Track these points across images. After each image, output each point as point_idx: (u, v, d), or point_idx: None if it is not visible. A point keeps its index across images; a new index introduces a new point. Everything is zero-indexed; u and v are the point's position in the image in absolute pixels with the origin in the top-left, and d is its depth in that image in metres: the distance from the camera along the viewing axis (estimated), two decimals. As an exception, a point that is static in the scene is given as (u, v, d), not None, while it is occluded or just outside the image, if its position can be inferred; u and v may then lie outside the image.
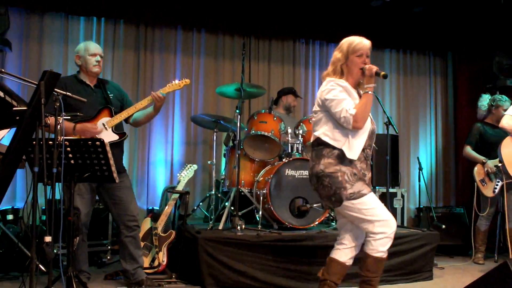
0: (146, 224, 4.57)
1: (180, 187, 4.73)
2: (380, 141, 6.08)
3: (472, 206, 5.63)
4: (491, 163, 5.31)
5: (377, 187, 6.13)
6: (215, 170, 5.56)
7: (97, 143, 3.19)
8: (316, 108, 3.35)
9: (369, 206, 3.16)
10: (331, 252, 3.41)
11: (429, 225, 5.89)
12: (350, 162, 3.18)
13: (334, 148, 3.19)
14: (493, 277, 2.62)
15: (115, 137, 3.88)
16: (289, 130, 4.96)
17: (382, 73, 3.17)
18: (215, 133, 5.50)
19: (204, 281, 4.04)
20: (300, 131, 4.98)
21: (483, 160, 5.42)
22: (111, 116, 3.90)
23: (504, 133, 4.71)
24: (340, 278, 3.37)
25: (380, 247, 3.18)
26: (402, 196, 6.26)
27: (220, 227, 4.46)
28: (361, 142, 3.20)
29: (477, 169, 5.49)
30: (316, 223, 4.70)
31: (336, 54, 3.30)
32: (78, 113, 3.51)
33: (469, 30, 7.15)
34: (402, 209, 6.26)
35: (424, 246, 4.63)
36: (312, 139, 3.37)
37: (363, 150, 3.23)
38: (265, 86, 6.42)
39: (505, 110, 5.43)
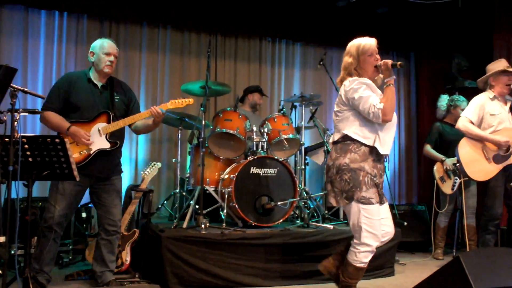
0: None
1: (144, 185, 4.69)
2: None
3: (432, 203, 5.76)
4: (450, 161, 5.44)
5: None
6: (180, 168, 5.52)
7: (57, 140, 3.12)
8: (340, 107, 3.44)
9: (369, 215, 3.29)
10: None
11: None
12: (373, 161, 3.31)
13: (361, 144, 3.31)
14: (446, 272, 2.69)
15: (106, 145, 3.78)
16: (254, 128, 4.97)
17: (399, 63, 3.29)
18: (180, 131, 5.47)
19: (168, 280, 4.01)
20: (265, 129, 5.00)
21: (442, 159, 5.55)
22: (109, 121, 3.80)
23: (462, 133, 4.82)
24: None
25: (363, 259, 3.38)
26: (366, 194, 6.32)
27: (184, 225, 4.42)
28: (391, 136, 3.37)
29: (436, 167, 5.61)
30: (281, 221, 4.71)
31: (347, 60, 3.43)
32: (36, 110, 3.41)
33: (431, 32, 7.32)
34: (366, 206, 6.33)
35: (386, 243, 4.68)
36: (337, 136, 3.44)
37: None
38: (231, 84, 6.41)
39: (462, 110, 5.58)
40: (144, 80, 6.29)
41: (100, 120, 3.79)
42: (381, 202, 3.37)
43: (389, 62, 3.31)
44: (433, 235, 5.85)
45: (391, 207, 6.27)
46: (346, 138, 3.36)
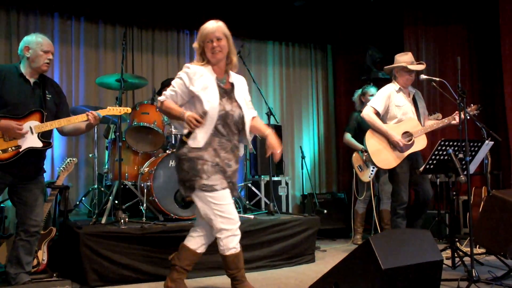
0: (24, 222, 4.32)
1: (59, 182, 4.54)
2: (262, 131, 6.24)
3: (351, 191, 5.96)
4: (368, 151, 5.64)
5: (262, 176, 6.29)
6: (98, 163, 5.40)
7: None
8: None
9: (217, 201, 3.24)
10: (185, 239, 3.50)
11: (312, 210, 6.15)
12: (215, 150, 3.27)
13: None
14: (358, 254, 2.81)
15: (38, 144, 3.60)
16: (173, 121, 4.93)
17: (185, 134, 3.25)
18: (96, 125, 5.32)
19: (87, 277, 3.93)
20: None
21: (362, 149, 5.73)
22: (42, 121, 3.62)
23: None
24: (191, 265, 3.49)
25: (229, 244, 3.30)
26: (287, 183, 6.48)
27: (103, 221, 4.35)
28: (206, 130, 3.24)
29: (355, 156, 5.81)
30: (202, 212, 4.72)
31: (195, 44, 3.38)
32: None
33: (346, 24, 7.56)
34: (287, 196, 6.49)
35: (305, 231, 4.81)
36: None
37: (230, 140, 3.33)
38: (149, 77, 6.34)
39: (370, 95, 5.84)
40: (57, 75, 6.08)
41: (33, 118, 3.61)
42: (232, 193, 3.37)
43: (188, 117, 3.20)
44: (353, 222, 6.06)
45: (311, 196, 6.47)
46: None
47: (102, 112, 3.82)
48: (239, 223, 3.34)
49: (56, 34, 6.09)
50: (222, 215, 3.25)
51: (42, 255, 4.26)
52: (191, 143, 3.23)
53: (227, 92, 3.36)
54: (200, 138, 3.22)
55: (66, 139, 6.08)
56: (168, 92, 3.32)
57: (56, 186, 4.52)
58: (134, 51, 6.54)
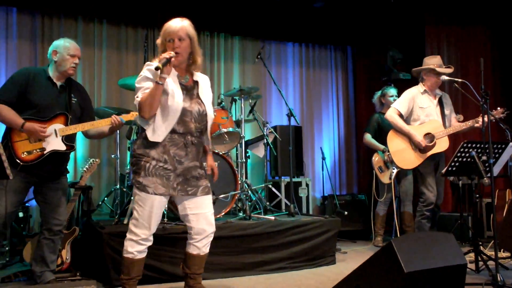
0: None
1: (82, 182, 4.60)
2: (283, 132, 6.26)
3: (372, 192, 5.94)
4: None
5: (282, 177, 6.29)
6: (120, 164, 5.45)
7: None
8: None
9: (141, 203, 3.10)
10: (186, 246, 3.42)
11: (333, 212, 6.14)
12: (163, 147, 3.11)
13: (143, 130, 3.15)
14: (380, 257, 2.79)
15: (62, 147, 3.67)
16: (194, 122, 4.95)
17: (156, 65, 2.98)
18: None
19: (110, 277, 3.96)
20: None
21: (384, 149, 5.69)
22: (66, 124, 3.69)
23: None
24: (201, 268, 3.42)
25: (128, 247, 3.17)
26: (307, 185, 6.48)
27: (125, 221, 4.39)
28: (167, 125, 3.10)
29: (375, 157, 5.77)
30: (223, 214, 4.75)
31: (158, 40, 3.23)
32: None
33: (366, 25, 7.52)
34: (308, 197, 6.49)
35: (326, 233, 4.80)
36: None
37: (184, 135, 3.16)
38: (171, 79, 6.36)
39: (390, 96, 5.84)
40: (80, 76, 6.16)
41: (57, 121, 3.68)
42: (185, 190, 3.21)
43: (160, 60, 3.00)
44: (373, 223, 6.03)
45: (332, 197, 6.45)
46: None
47: (125, 118, 3.86)
48: (150, 235, 3.17)
49: (79, 37, 6.17)
50: (137, 217, 3.11)
51: (66, 254, 4.33)
52: (151, 136, 3.08)
53: (187, 89, 3.22)
54: (160, 132, 3.08)
55: (89, 140, 6.13)
56: (140, 93, 3.08)
57: (79, 187, 4.58)
58: (156, 52, 6.54)
